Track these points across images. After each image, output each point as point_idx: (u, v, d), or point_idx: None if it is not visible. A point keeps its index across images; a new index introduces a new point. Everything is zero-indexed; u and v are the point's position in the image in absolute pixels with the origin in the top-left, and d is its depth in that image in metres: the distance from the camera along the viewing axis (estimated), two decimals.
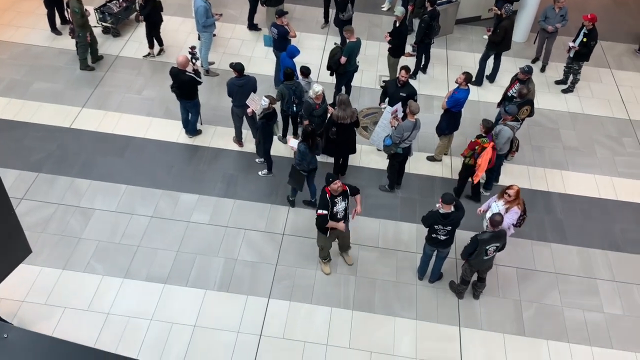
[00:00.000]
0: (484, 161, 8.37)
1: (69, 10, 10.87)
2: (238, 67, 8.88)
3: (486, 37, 11.41)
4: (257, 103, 8.58)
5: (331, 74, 10.27)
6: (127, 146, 9.70)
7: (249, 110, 8.70)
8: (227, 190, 9.12)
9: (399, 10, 10.29)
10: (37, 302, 7.47)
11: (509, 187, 7.53)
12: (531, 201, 9.13)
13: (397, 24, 10.40)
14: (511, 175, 9.57)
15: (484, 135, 8.29)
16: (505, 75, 11.51)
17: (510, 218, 7.48)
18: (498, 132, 8.49)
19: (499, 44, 10.94)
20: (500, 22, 10.82)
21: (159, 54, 11.63)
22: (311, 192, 8.87)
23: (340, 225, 7.40)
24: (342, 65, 9.90)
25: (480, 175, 8.57)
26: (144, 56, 11.53)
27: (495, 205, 7.62)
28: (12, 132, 9.72)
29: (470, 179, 8.94)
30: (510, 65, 11.80)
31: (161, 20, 11.25)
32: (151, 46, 11.47)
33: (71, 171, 9.20)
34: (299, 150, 8.14)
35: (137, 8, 11.93)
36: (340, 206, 7.32)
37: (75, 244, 8.18)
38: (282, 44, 10.23)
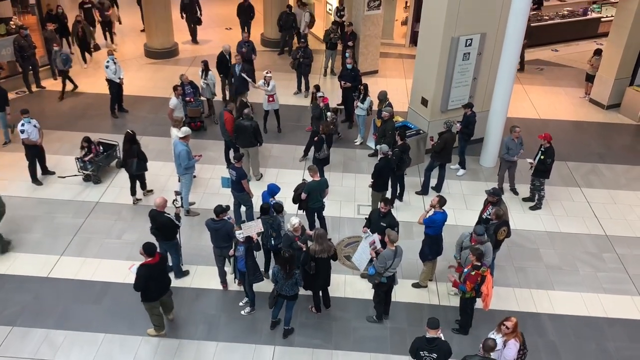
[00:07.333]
0: (489, 288, 8.35)
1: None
2: (216, 210, 8.96)
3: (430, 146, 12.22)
4: (253, 228, 8.71)
5: (299, 208, 10.47)
6: (105, 293, 9.45)
7: (253, 237, 8.74)
8: (209, 332, 8.81)
9: (384, 148, 10.98)
10: None
11: (507, 319, 7.31)
12: (521, 324, 8.85)
13: (380, 159, 11.01)
14: (497, 297, 9.43)
15: (479, 264, 8.28)
16: (479, 199, 11.79)
17: (509, 353, 7.16)
18: (484, 251, 8.50)
19: (439, 153, 11.85)
20: (442, 134, 11.80)
21: (146, 194, 11.88)
22: (286, 318, 8.76)
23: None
24: (304, 200, 10.20)
25: (490, 303, 8.50)
26: (134, 201, 11.66)
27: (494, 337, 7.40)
28: None
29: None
30: (481, 189, 12.08)
31: (141, 173, 11.51)
32: (133, 193, 11.60)
33: (47, 323, 8.86)
34: (272, 272, 8.34)
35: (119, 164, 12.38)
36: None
37: None
38: (240, 185, 10.45)
